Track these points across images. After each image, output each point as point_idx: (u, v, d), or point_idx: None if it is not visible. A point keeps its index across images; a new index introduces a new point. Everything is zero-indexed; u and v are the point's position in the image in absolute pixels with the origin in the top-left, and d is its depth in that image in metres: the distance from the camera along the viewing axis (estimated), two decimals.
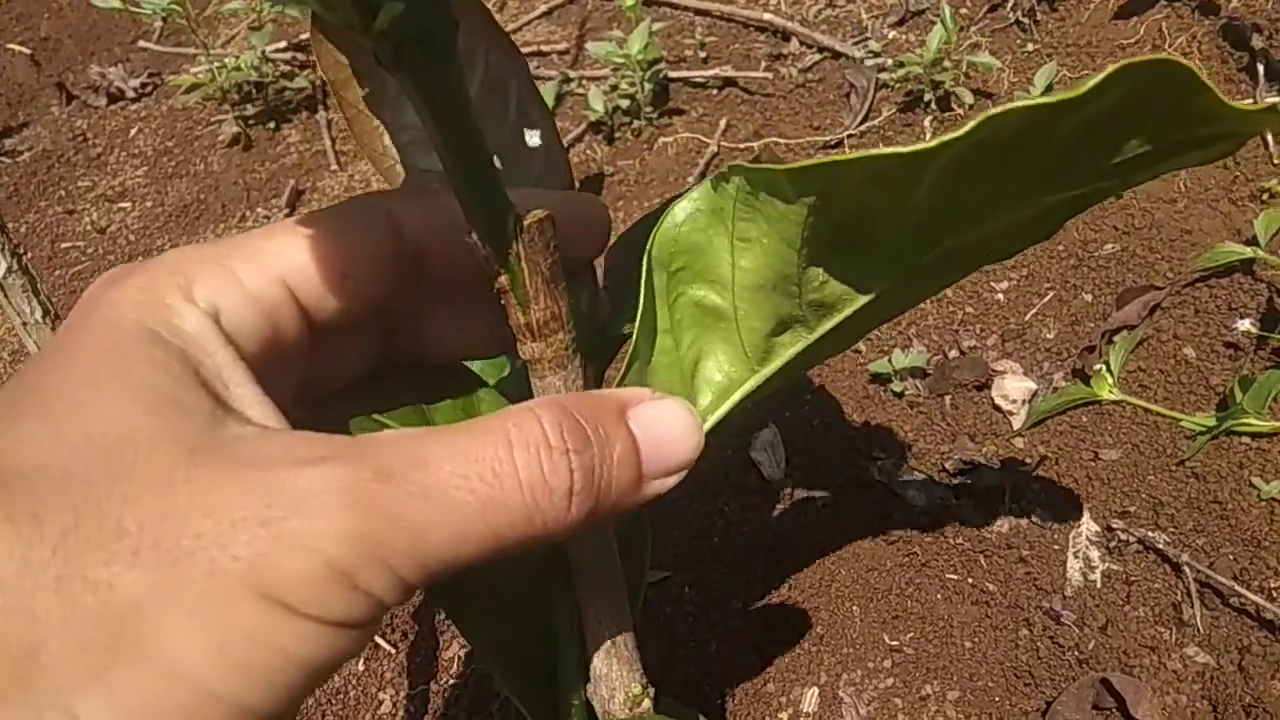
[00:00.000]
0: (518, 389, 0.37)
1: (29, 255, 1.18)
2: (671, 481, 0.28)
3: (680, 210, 0.33)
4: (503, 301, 0.34)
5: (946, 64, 0.94)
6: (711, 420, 0.37)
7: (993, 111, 0.25)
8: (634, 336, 0.34)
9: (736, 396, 0.37)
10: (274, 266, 0.27)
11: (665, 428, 0.28)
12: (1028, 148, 0.28)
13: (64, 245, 1.19)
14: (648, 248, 0.34)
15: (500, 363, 0.43)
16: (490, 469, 0.23)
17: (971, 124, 0.25)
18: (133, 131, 1.34)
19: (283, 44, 1.33)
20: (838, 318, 0.34)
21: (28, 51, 1.50)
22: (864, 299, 0.34)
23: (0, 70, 1.49)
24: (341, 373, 0.32)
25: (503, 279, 0.34)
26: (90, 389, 0.21)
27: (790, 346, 0.36)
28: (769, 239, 0.32)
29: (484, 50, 0.40)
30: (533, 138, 0.42)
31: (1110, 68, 0.24)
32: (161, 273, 0.24)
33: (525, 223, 0.33)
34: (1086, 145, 0.27)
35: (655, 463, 0.27)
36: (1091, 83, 0.24)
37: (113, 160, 1.30)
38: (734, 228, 0.33)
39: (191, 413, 0.22)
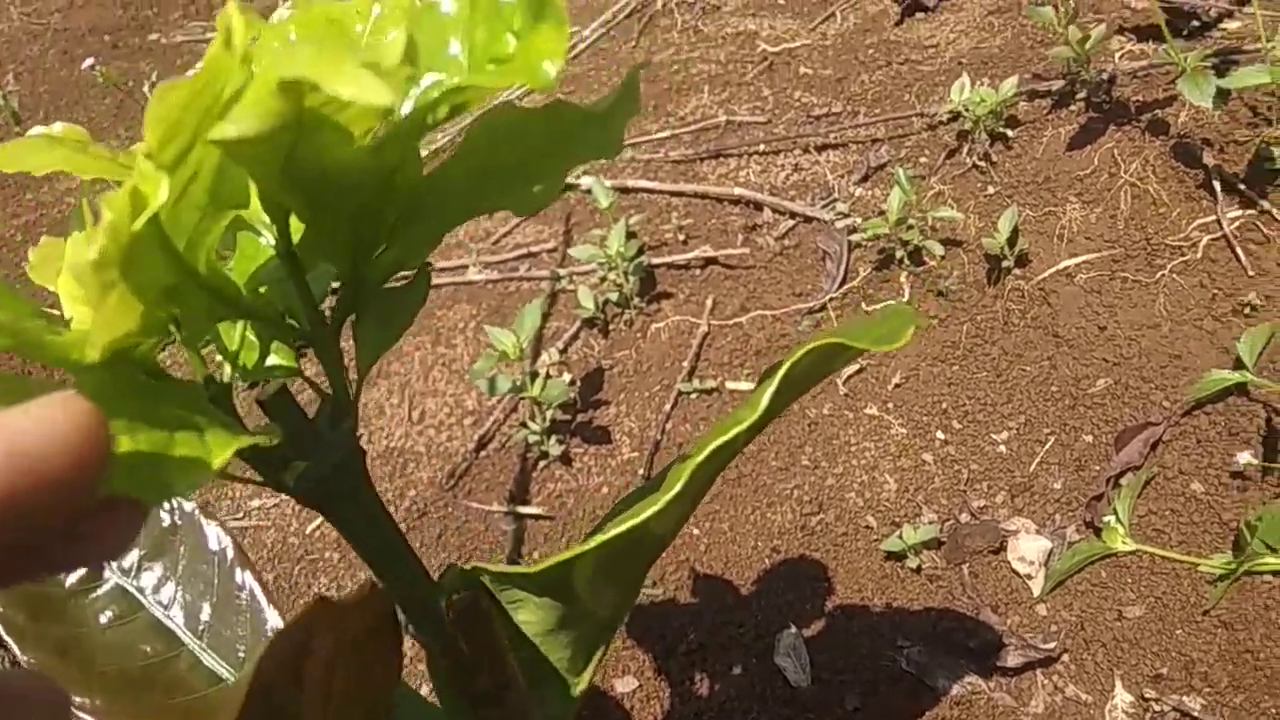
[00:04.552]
0: None
1: None
2: None
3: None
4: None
5: (911, 221, 0.97)
6: None
7: (700, 459, 0.30)
8: None
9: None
10: None
11: None
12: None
13: None
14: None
15: None
16: None
17: (686, 475, 0.30)
18: None
19: None
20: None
21: None
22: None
23: None
24: None
25: (443, 661, 0.36)
26: None
27: (596, 651, 0.39)
28: (538, 598, 0.35)
29: None
30: None
31: (787, 361, 0.30)
32: None
33: (457, 606, 0.35)
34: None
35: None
36: (770, 388, 0.30)
37: None
38: (501, 596, 0.36)
39: None
